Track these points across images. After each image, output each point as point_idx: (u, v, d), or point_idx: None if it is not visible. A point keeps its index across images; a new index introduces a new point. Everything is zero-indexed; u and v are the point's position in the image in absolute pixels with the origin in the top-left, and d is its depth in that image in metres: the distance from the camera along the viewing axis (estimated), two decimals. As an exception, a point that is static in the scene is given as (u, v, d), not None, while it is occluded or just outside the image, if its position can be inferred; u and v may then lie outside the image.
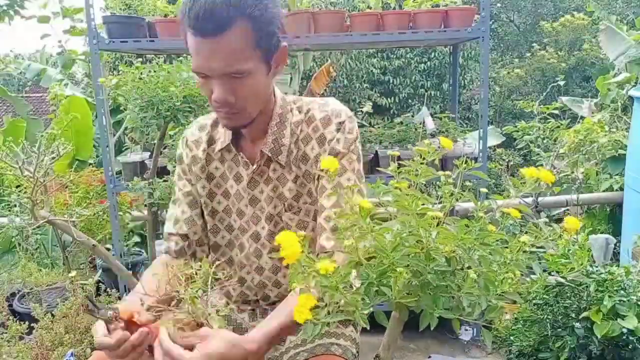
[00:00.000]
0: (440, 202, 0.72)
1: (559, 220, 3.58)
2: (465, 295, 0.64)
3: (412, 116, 2.91)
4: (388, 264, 0.64)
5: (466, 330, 2.63)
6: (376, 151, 2.50)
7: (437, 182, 0.77)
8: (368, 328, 0.70)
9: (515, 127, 3.20)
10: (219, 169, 1.21)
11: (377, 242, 0.66)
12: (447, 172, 0.76)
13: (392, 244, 0.64)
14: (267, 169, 1.17)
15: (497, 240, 0.68)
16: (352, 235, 0.67)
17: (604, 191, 3.29)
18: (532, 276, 0.73)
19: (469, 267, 0.65)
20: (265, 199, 1.18)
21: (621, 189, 3.08)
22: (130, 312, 0.93)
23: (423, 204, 0.69)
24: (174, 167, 2.44)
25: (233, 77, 0.99)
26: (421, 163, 0.76)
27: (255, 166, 1.16)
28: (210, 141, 1.21)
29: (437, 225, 0.66)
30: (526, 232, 0.72)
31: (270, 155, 1.14)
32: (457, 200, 0.73)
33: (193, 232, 1.23)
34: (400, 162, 0.80)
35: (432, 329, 0.63)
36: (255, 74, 1.00)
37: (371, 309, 0.65)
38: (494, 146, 5.44)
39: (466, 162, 0.77)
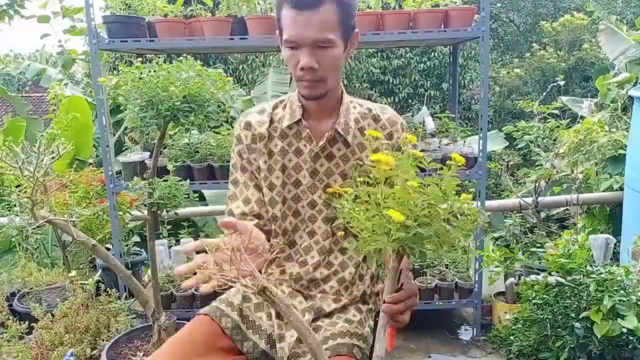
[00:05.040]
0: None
1: (559, 220, 3.57)
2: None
3: (412, 116, 2.92)
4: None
5: (466, 330, 2.63)
6: (376, 151, 2.50)
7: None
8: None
9: (515, 127, 3.19)
10: (278, 146, 1.34)
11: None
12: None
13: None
14: (330, 147, 1.32)
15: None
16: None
17: (604, 191, 3.29)
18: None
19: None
20: (324, 172, 1.32)
21: (621, 189, 3.08)
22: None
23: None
24: (174, 167, 2.47)
25: (319, 46, 1.17)
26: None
27: (324, 141, 1.30)
28: (272, 121, 1.36)
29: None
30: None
31: (341, 132, 1.31)
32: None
33: (265, 210, 1.36)
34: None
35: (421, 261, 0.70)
36: (336, 47, 1.19)
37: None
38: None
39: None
